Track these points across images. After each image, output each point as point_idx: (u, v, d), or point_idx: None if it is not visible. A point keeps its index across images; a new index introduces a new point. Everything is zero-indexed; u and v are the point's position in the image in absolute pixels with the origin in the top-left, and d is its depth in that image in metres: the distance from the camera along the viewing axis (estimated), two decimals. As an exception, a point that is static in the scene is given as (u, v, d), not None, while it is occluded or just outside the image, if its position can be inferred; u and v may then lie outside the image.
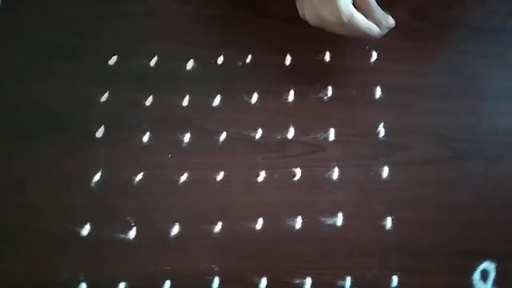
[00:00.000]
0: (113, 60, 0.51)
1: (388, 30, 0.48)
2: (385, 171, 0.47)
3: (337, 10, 0.44)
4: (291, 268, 0.44)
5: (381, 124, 0.49)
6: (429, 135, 0.49)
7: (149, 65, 0.51)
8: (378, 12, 0.47)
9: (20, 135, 0.47)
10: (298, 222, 0.45)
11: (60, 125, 0.48)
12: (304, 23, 0.53)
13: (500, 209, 0.47)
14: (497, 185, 0.48)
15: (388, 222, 0.46)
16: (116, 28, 0.52)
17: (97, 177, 0.46)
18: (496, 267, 0.44)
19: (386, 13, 0.47)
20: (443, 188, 0.47)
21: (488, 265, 0.45)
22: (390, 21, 0.48)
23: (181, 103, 0.49)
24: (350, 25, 0.45)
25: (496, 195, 0.48)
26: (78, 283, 0.42)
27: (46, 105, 0.49)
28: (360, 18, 0.45)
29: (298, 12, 0.52)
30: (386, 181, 0.47)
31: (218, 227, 0.45)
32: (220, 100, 0.50)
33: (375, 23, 0.47)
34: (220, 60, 0.51)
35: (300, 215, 0.45)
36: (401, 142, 0.49)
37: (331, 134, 0.49)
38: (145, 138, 0.48)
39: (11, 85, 0.49)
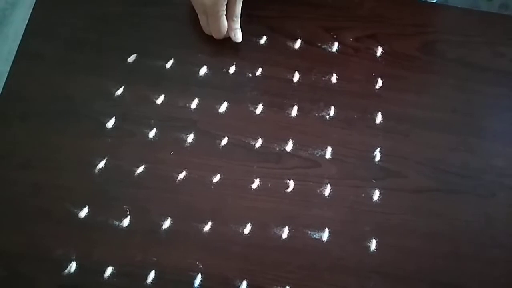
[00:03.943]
0: (132, 58, 0.53)
1: (227, 37, 0.53)
2: (376, 194, 0.49)
3: None
4: (272, 275, 0.45)
5: (378, 149, 0.51)
6: (423, 165, 0.50)
7: (164, 66, 0.53)
8: (237, 21, 0.53)
9: (36, 116, 0.50)
10: (285, 232, 0.47)
11: (75, 112, 0.50)
12: (316, 46, 0.55)
13: (486, 246, 0.48)
14: (486, 223, 0.49)
15: (373, 244, 0.47)
16: (139, 29, 0.55)
17: (101, 164, 0.48)
18: (474, 303, 0.45)
19: (240, 30, 0.53)
20: (431, 219, 0.48)
21: (466, 300, 0.45)
22: (238, 37, 0.53)
23: (190, 106, 0.51)
24: (216, 12, 0.51)
25: (484, 232, 0.48)
26: (69, 261, 0.44)
27: (65, 92, 0.51)
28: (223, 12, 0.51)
29: (309, 34, 0.54)
30: (376, 204, 0.48)
31: (207, 227, 0.46)
32: (226, 107, 0.51)
33: (229, 26, 0.52)
34: (232, 69, 0.53)
35: (288, 225, 0.47)
36: (395, 168, 0.50)
37: (328, 152, 0.50)
38: (151, 134, 0.50)
39: (37, 71, 0.52)
